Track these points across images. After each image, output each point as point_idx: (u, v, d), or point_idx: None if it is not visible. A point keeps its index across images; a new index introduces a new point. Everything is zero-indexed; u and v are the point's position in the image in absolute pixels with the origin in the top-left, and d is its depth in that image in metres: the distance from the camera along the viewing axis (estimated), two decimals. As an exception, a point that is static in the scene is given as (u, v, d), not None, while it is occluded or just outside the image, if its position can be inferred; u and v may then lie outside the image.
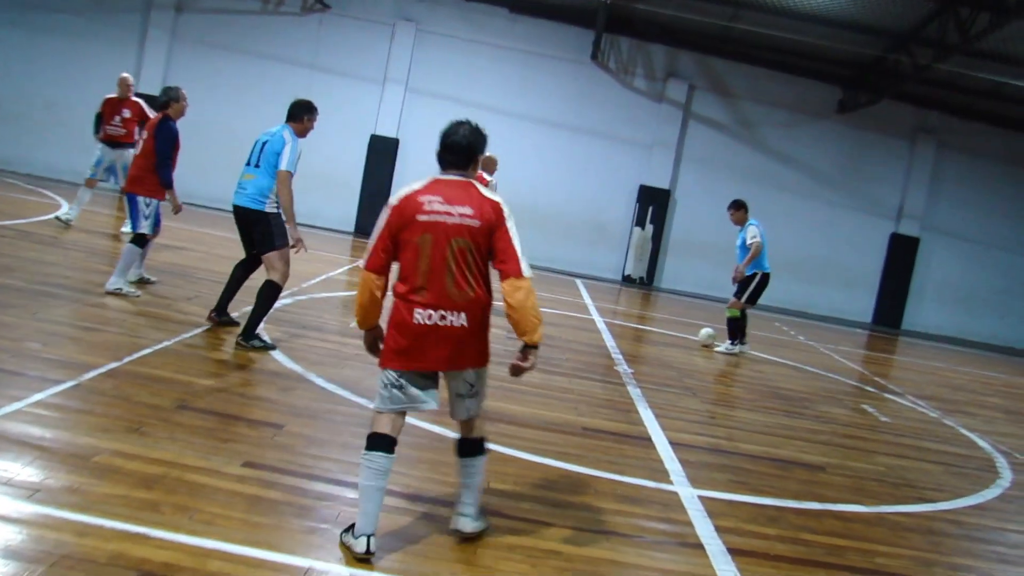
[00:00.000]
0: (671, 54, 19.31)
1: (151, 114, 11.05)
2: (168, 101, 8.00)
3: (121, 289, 7.75)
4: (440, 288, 3.70)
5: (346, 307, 9.69)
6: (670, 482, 5.38)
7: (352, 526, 3.73)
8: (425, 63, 18.78)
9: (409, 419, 5.65)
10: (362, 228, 18.41)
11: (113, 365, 5.59)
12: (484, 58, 18.87)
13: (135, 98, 11.64)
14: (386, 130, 18.61)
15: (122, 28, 18.65)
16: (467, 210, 3.72)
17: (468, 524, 3.99)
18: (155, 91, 16.80)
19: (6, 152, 17.95)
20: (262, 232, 6.83)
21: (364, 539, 3.62)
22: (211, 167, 17.31)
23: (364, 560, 3.61)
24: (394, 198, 3.80)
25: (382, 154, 18.56)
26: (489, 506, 4.42)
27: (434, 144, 3.99)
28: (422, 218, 3.69)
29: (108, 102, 11.56)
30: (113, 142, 11.48)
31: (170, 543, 3.46)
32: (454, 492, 4.32)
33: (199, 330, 7.02)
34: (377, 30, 18.72)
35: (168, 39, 18.69)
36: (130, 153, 10.93)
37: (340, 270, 12.36)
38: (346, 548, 3.67)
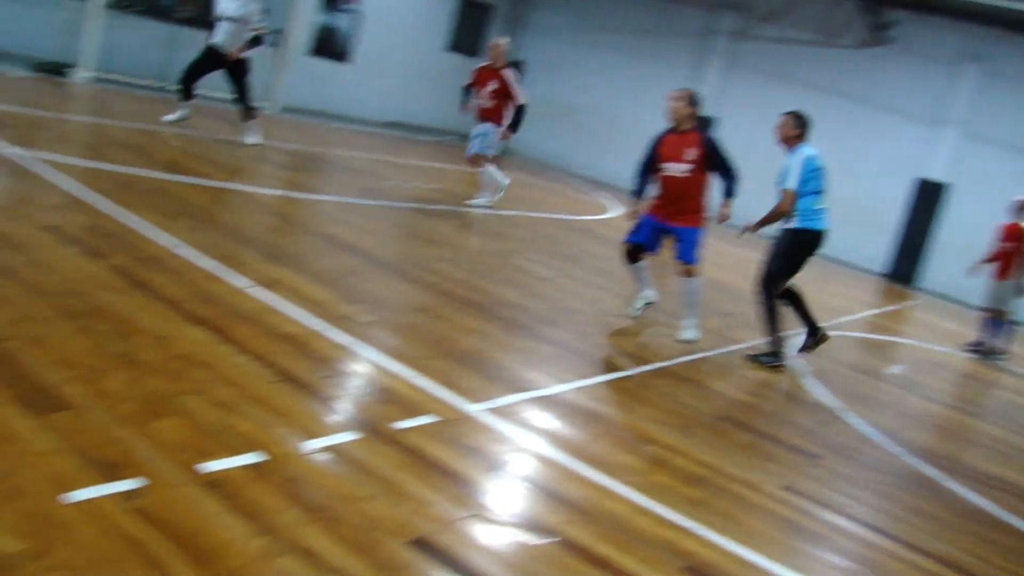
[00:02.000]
0: None
1: (516, 90, 10.23)
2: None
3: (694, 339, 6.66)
4: None
5: (879, 350, 9.24)
6: None
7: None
8: (988, 106, 17.18)
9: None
10: (898, 273, 17.43)
11: (664, 364, 5.93)
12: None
13: (506, 70, 10.29)
14: (935, 174, 17.39)
15: (681, 51, 19.80)
16: None
17: None
18: (708, 112, 17.61)
19: (577, 157, 20.18)
20: None
21: None
22: (759, 191, 17.75)
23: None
24: None
25: (927, 199, 17.39)
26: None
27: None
28: None
29: (480, 72, 10.43)
30: (481, 116, 10.44)
31: (713, 544, 3.55)
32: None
33: (737, 346, 7.15)
34: (938, 69, 17.55)
35: (725, 65, 19.42)
36: (491, 129, 10.35)
37: (868, 312, 11.82)
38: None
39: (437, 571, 2.87)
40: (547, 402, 4.61)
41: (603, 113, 20.34)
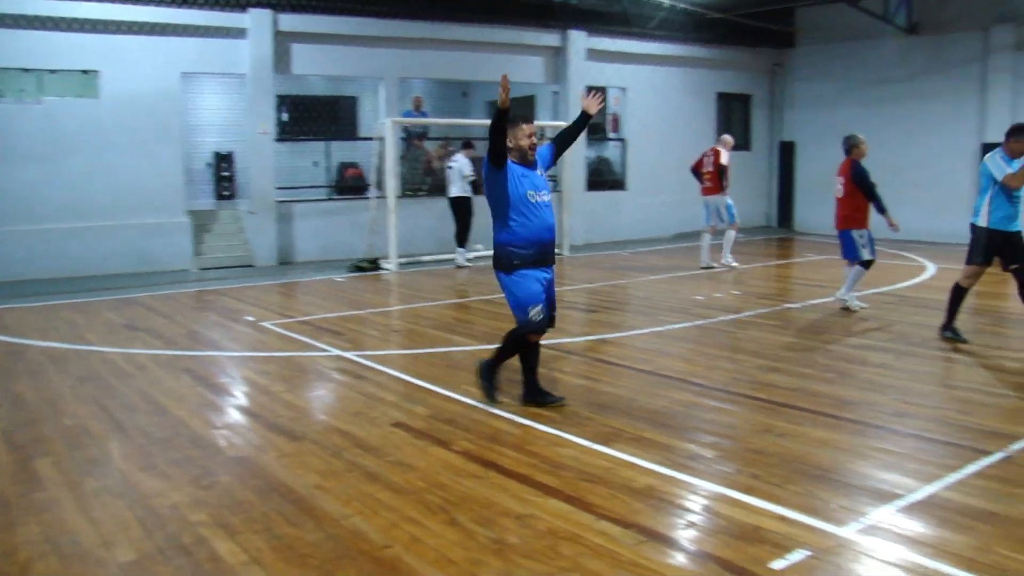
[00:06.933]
0: None
1: (724, 160, 13.68)
2: (851, 147, 9.88)
3: (847, 302, 9.85)
4: None
5: None
6: None
7: None
8: None
9: None
10: None
11: (1035, 437, 5.44)
12: None
13: (713, 149, 13.97)
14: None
15: (959, 80, 18.48)
16: None
17: None
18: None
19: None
20: None
21: None
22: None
23: None
24: None
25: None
26: None
27: None
28: None
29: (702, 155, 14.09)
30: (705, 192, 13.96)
31: None
32: None
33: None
34: None
35: (1010, 81, 17.86)
36: (714, 199, 13.82)
37: None
38: None
39: None
40: (922, 508, 4.35)
41: (885, 170, 19.05)
